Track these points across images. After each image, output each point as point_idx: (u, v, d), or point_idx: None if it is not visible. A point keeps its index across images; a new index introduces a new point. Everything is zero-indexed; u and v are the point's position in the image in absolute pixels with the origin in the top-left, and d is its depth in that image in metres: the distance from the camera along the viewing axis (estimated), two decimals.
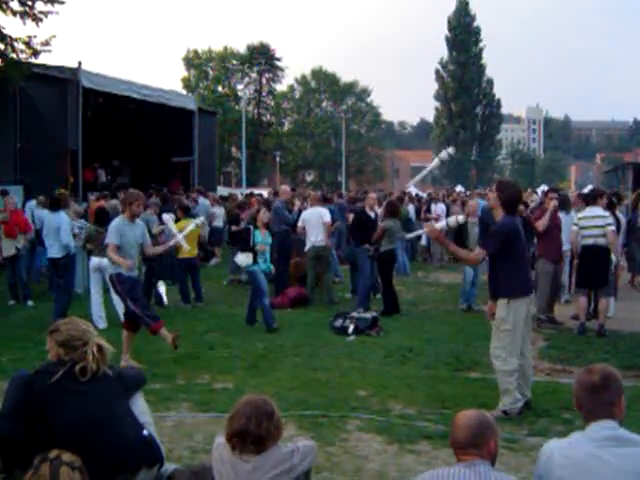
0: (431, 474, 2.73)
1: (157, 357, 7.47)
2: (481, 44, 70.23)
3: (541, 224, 9.54)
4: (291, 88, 65.13)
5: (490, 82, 71.42)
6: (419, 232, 7.17)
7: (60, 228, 9.58)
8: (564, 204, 10.44)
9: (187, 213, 11.92)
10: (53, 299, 9.91)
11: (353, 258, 11.68)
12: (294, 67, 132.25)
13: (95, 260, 9.60)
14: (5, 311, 10.69)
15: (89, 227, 10.62)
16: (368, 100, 65.20)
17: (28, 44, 16.78)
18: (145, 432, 3.64)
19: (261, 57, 59.99)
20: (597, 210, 9.08)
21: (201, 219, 9.56)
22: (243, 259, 9.49)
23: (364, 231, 10.68)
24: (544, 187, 35.62)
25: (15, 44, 16.68)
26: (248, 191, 27.96)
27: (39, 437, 3.38)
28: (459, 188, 37.80)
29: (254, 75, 61.48)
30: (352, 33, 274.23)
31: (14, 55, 16.83)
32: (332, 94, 64.54)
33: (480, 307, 10.31)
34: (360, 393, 6.34)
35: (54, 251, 9.73)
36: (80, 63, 19.19)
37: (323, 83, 64.67)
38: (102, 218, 10.03)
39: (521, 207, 9.40)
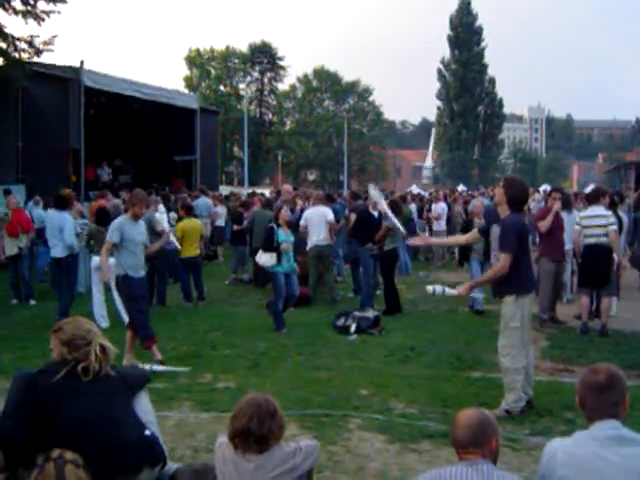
0: (433, 473, 2.73)
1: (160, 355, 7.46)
2: (483, 43, 70.35)
3: (544, 225, 9.54)
4: (293, 87, 65.25)
5: (492, 81, 71.46)
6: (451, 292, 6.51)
7: (63, 228, 9.57)
8: (566, 203, 10.43)
9: (190, 212, 11.92)
10: (57, 298, 9.91)
11: (355, 257, 11.66)
12: (296, 66, 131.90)
13: (96, 259, 9.59)
14: (8, 310, 10.71)
15: (91, 226, 10.63)
16: (370, 99, 65.34)
17: (30, 43, 16.85)
18: (148, 432, 3.64)
19: (263, 56, 60.14)
20: (599, 209, 9.07)
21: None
22: (267, 259, 9.14)
23: (367, 230, 10.67)
24: (546, 186, 35.63)
25: (17, 43, 16.75)
26: (250, 190, 28.00)
27: (41, 436, 3.39)
28: (461, 187, 37.82)
29: (256, 74, 61.64)
30: (354, 32, 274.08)
31: (16, 54, 16.89)
32: (334, 93, 64.62)
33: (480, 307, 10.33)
34: (362, 392, 6.35)
35: (57, 250, 9.72)
36: (82, 62, 19.24)
37: (325, 82, 64.73)
38: (102, 217, 10.03)
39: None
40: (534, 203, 17.98)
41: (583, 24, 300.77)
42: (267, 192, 25.88)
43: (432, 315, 10.40)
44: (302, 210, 12.85)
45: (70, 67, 19.35)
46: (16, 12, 16.64)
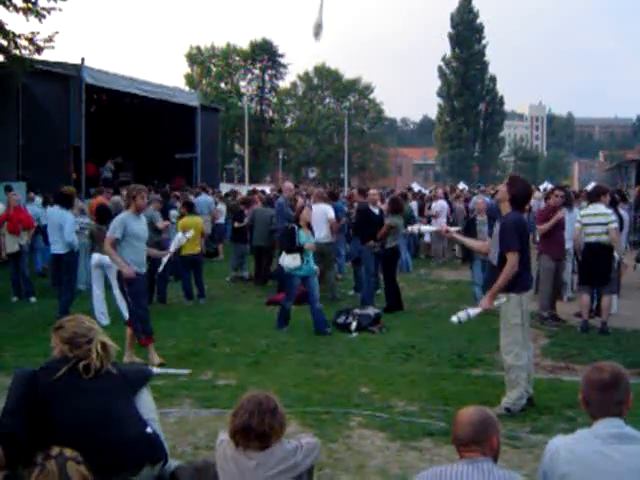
0: (434, 471, 2.73)
1: (160, 353, 7.45)
2: (484, 41, 70.18)
3: (543, 228, 9.57)
4: (294, 85, 65.15)
5: (493, 79, 71.33)
6: (427, 228, 6.89)
7: (64, 225, 9.58)
8: (567, 201, 10.41)
9: (191, 210, 11.92)
10: (57, 296, 9.92)
11: (358, 255, 11.65)
12: (297, 63, 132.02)
13: (96, 257, 9.59)
14: (8, 307, 10.71)
15: (91, 224, 10.62)
16: (371, 97, 65.26)
17: (31, 40, 16.82)
18: (149, 429, 3.64)
19: (264, 54, 60.00)
20: (600, 207, 9.06)
21: (191, 232, 8.84)
22: (290, 261, 8.95)
23: (368, 228, 10.66)
24: (547, 184, 35.62)
25: (18, 40, 16.71)
26: (251, 188, 28.01)
27: (42, 433, 3.38)
28: (462, 185, 37.81)
29: (257, 72, 61.52)
30: (355, 30, 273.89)
31: (17, 51, 16.86)
32: (335, 91, 64.56)
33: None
34: (363, 390, 6.35)
35: (58, 248, 9.72)
36: (83, 60, 19.24)
37: (326, 80, 64.67)
38: (103, 215, 10.02)
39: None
40: (534, 201, 17.94)
41: (584, 22, 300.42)
42: (268, 190, 25.86)
43: (433, 313, 10.39)
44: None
45: (71, 64, 19.35)
46: (17, 9, 16.61)
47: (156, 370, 6.85)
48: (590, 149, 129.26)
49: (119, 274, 7.45)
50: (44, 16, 16.91)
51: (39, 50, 17.10)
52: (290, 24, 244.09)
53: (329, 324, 9.05)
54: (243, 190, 25.05)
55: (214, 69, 61.35)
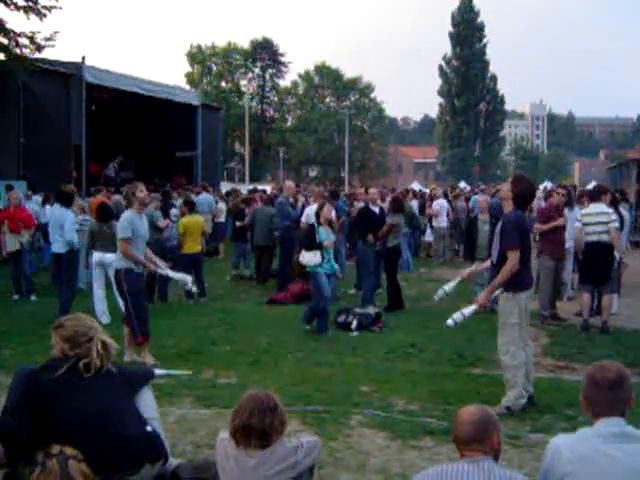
0: (435, 470, 2.73)
1: (160, 352, 7.46)
2: (485, 40, 70.12)
3: (542, 228, 9.58)
4: (294, 84, 65.13)
5: (494, 78, 71.31)
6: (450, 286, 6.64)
7: (64, 224, 9.57)
8: (568, 200, 10.41)
9: (192, 208, 11.91)
10: (57, 294, 9.91)
11: (359, 254, 11.64)
12: (297, 63, 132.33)
13: (97, 255, 9.59)
14: (9, 306, 10.71)
15: (92, 222, 10.61)
16: (371, 96, 65.26)
17: (32, 39, 16.82)
18: (149, 428, 3.64)
19: (264, 53, 60.01)
20: (601, 207, 9.05)
21: (189, 280, 8.10)
22: (310, 258, 8.80)
23: (369, 227, 10.66)
24: (547, 183, 35.61)
25: (19, 39, 16.72)
26: (252, 186, 28.00)
27: (42, 431, 3.39)
28: (462, 184, 37.78)
29: (257, 71, 61.54)
30: (356, 29, 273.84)
31: (18, 50, 16.86)
32: (335, 90, 64.55)
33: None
34: (363, 389, 6.34)
35: (58, 246, 9.71)
36: (84, 58, 19.23)
37: (326, 79, 64.65)
38: (104, 214, 10.01)
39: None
40: (535, 201, 17.91)
41: (585, 21, 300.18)
42: (268, 188, 25.84)
43: (433, 312, 10.36)
44: (304, 207, 12.84)
45: (72, 63, 19.34)
46: (17, 7, 16.62)
47: (158, 371, 6.84)
48: (591, 148, 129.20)
49: (116, 274, 7.38)
50: (45, 15, 16.92)
51: (40, 49, 17.11)
52: (291, 23, 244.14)
53: (328, 327, 8.92)
54: (244, 189, 25.07)
55: (215, 68, 61.38)
